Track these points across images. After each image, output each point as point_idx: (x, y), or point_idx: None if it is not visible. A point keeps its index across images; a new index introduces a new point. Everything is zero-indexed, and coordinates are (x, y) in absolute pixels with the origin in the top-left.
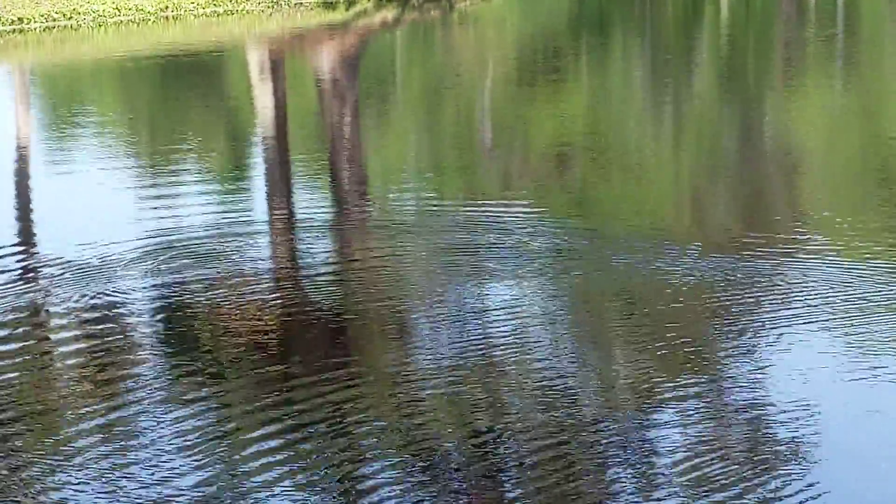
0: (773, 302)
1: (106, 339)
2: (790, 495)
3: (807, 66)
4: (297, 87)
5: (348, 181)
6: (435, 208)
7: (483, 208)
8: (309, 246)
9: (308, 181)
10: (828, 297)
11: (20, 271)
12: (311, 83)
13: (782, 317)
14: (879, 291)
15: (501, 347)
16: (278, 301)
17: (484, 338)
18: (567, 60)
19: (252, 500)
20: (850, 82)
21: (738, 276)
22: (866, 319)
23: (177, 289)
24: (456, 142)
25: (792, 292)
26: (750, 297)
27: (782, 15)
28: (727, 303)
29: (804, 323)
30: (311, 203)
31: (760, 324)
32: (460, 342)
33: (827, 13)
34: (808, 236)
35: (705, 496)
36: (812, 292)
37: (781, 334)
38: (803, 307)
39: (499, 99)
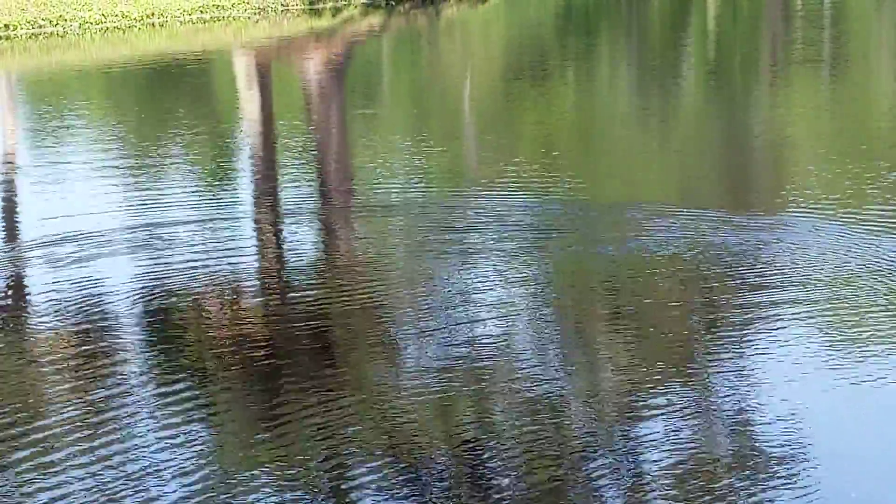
0: (765, 279)
1: (88, 334)
2: (780, 495)
3: (793, 62)
4: (284, 93)
5: (334, 177)
6: (421, 195)
7: (473, 196)
8: (295, 236)
9: (294, 177)
10: (820, 275)
11: (5, 265)
12: (297, 89)
13: (775, 297)
14: (870, 267)
15: (487, 345)
16: (263, 294)
17: (470, 332)
18: (554, 62)
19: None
20: (835, 76)
21: (728, 253)
22: (859, 301)
23: (161, 281)
24: (443, 142)
25: (784, 269)
26: (739, 275)
27: (769, 14)
28: (717, 281)
29: (798, 304)
30: (297, 196)
31: (751, 304)
32: (446, 327)
33: (813, 13)
34: (798, 212)
35: (695, 499)
36: (803, 269)
37: (773, 316)
38: (796, 286)
39: (486, 99)
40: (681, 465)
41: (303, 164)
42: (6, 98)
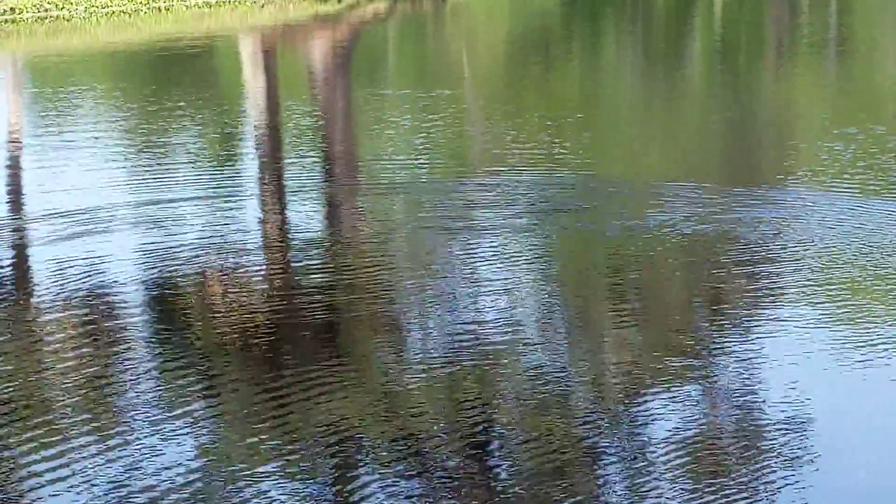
0: (778, 256)
1: (90, 311)
2: (782, 484)
3: (805, 47)
4: (290, 77)
5: (340, 156)
6: (426, 178)
7: (479, 174)
8: (300, 214)
9: (300, 157)
10: (834, 253)
11: (9, 242)
12: (303, 72)
13: (787, 275)
14: (888, 245)
15: (493, 324)
16: (268, 272)
17: (476, 311)
18: (562, 45)
19: (240, 490)
20: (847, 61)
21: (744, 229)
22: (872, 279)
23: (165, 258)
24: (449, 122)
25: (798, 247)
26: (752, 252)
27: (774, 9)
28: (729, 259)
29: (800, 283)
30: (303, 175)
31: (761, 284)
32: (451, 305)
33: (820, 2)
34: (800, 188)
35: (696, 486)
36: (817, 247)
37: (784, 294)
38: (809, 263)
39: (492, 80)
40: (685, 446)
41: (308, 143)
42: (12, 79)
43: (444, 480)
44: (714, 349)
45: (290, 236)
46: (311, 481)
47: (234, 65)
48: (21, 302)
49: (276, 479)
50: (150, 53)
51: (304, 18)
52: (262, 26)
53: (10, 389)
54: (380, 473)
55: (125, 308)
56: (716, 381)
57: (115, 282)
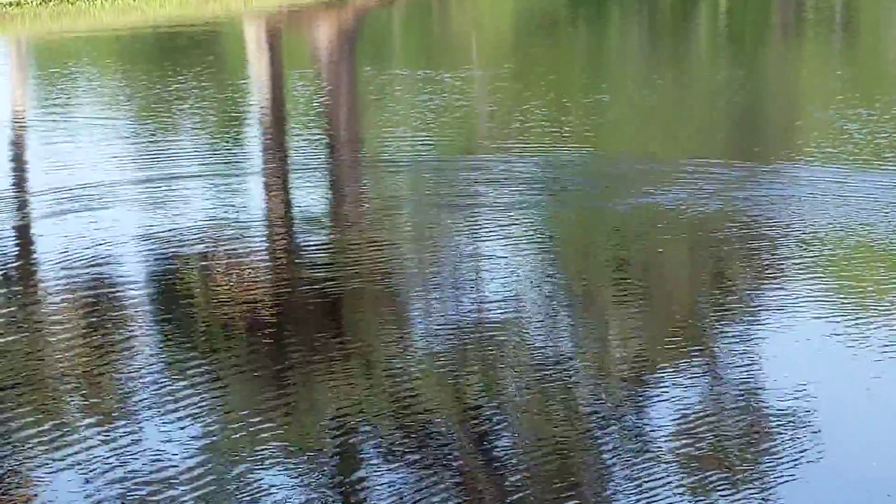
0: (784, 236)
1: (92, 290)
2: (787, 475)
3: (806, 32)
4: (294, 61)
5: (344, 134)
6: (433, 156)
7: (483, 153)
8: (303, 191)
9: (303, 135)
10: (840, 234)
11: (14, 219)
12: (307, 56)
13: (793, 257)
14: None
15: (496, 306)
16: (271, 249)
17: (479, 292)
18: (566, 31)
19: (242, 478)
20: (857, 45)
21: (753, 206)
22: (878, 261)
23: (168, 236)
24: (455, 105)
25: (807, 227)
26: (759, 231)
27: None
28: (736, 237)
29: (809, 264)
30: (307, 152)
31: (767, 264)
32: (454, 286)
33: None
34: (803, 168)
35: (700, 477)
36: (818, 224)
37: (789, 276)
38: (808, 244)
39: (497, 61)
40: (688, 432)
41: (312, 123)
42: (17, 61)
43: (446, 463)
44: (720, 333)
45: (293, 214)
46: (313, 465)
47: (238, 49)
48: (22, 278)
49: (278, 464)
50: (154, 37)
51: (309, 2)
52: (267, 10)
53: (10, 368)
54: (381, 457)
55: (126, 285)
56: (720, 367)
57: (117, 258)
